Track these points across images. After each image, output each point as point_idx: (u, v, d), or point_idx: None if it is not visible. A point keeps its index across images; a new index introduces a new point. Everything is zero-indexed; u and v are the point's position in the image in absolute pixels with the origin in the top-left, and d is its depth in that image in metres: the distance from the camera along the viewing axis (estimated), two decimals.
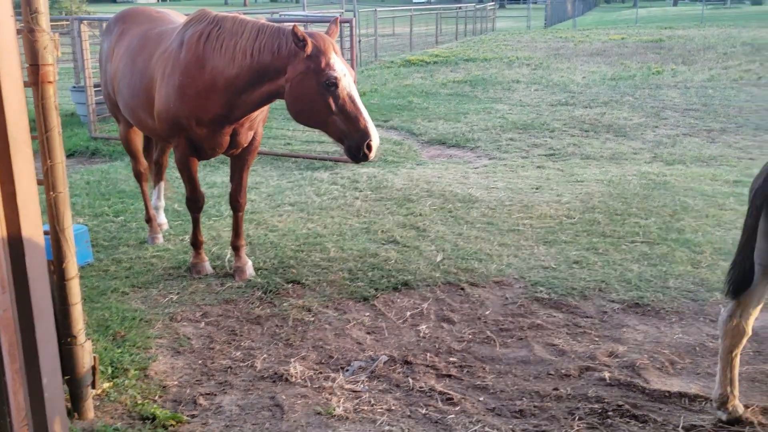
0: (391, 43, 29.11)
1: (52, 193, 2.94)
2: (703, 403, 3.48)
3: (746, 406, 3.38)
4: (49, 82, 2.87)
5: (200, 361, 3.99)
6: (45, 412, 2.86)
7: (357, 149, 4.10)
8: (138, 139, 5.76)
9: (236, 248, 5.16)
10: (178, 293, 4.88)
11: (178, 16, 5.36)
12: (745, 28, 33.23)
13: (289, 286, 4.97)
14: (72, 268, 3.08)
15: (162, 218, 6.14)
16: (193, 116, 4.52)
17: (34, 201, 2.66)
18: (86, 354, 3.22)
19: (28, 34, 2.75)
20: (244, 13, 6.46)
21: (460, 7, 38.62)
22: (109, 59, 5.39)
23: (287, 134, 10.23)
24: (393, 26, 35.80)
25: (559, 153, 9.11)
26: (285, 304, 4.68)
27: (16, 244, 2.58)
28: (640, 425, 3.30)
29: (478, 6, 41.61)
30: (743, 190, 7.00)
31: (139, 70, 4.88)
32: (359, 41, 20.82)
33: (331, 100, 4.08)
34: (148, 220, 5.85)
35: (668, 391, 3.56)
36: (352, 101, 4.10)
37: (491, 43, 28.53)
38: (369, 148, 4.09)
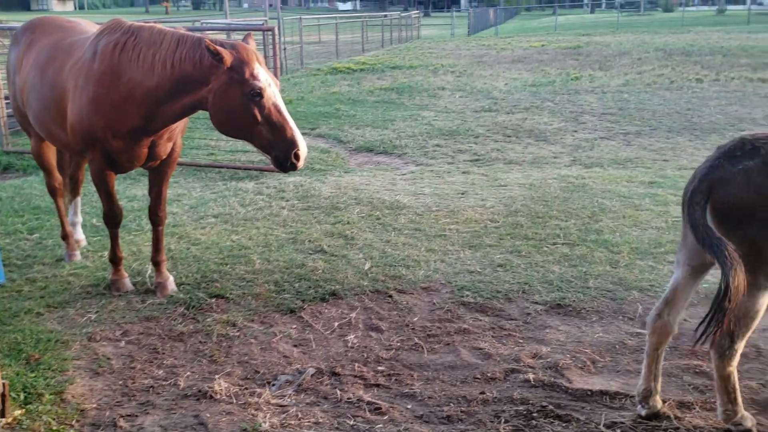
0: (317, 50, 29.05)
1: None
2: (624, 400, 3.59)
3: (663, 401, 3.50)
4: None
5: (120, 382, 3.85)
6: None
7: (285, 159, 4.07)
8: (51, 153, 5.53)
9: (157, 264, 5.01)
10: (96, 312, 4.69)
11: (90, 26, 5.18)
12: (657, 34, 34.74)
13: (213, 300, 4.85)
14: None
15: (79, 234, 5.92)
16: (109, 128, 4.37)
17: None
18: None
19: None
20: (164, 22, 6.29)
21: (386, 15, 38.93)
22: (17, 71, 5.15)
23: (210, 144, 10.04)
24: (319, 34, 35.76)
25: (483, 158, 9.28)
26: (209, 320, 4.57)
27: None
28: (564, 425, 3.37)
29: (403, 14, 42.04)
30: (658, 191, 7.29)
31: (49, 81, 4.69)
32: (284, 49, 20.68)
33: (256, 111, 4.03)
34: (65, 236, 5.62)
35: (590, 390, 3.66)
36: (278, 111, 4.07)
37: (416, 50, 28.84)
38: (297, 157, 4.06)
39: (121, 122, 4.34)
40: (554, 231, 6.07)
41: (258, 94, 4.00)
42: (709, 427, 3.32)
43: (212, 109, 4.14)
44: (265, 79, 4.05)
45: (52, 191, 5.61)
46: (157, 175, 4.86)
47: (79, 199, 5.94)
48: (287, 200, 7.24)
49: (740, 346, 3.19)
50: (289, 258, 5.57)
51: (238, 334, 4.40)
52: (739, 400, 3.29)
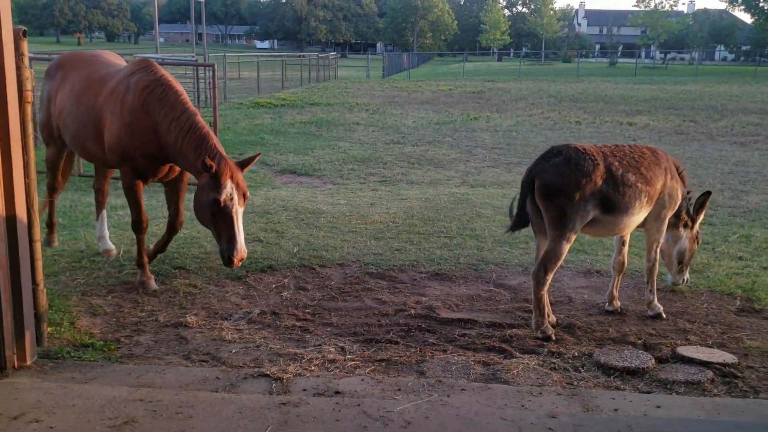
0: (239, 86, 30.50)
1: (27, 179, 4.19)
2: (474, 324, 5.28)
3: (504, 325, 5.22)
4: (28, 102, 4.17)
5: (114, 319, 5.24)
6: (24, 331, 4.10)
7: (221, 254, 5.23)
8: (61, 162, 6.69)
9: (156, 252, 6.25)
10: (84, 278, 6.04)
11: (110, 56, 6.46)
12: (554, 83, 38.14)
13: (176, 271, 6.30)
14: (36, 232, 4.32)
15: (108, 245, 6.76)
16: (138, 150, 5.53)
17: (21, 188, 3.96)
18: (43, 296, 4.44)
19: (17, 70, 4.05)
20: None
21: (303, 56, 40.84)
22: (52, 100, 6.26)
23: None
24: (239, 70, 37.18)
25: (389, 179, 11.05)
26: (175, 283, 6.01)
27: (11, 217, 3.87)
28: (431, 335, 5.04)
29: (321, 55, 44.10)
30: None
31: (85, 107, 5.81)
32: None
33: (212, 214, 5.07)
34: (50, 224, 6.85)
35: (451, 318, 5.35)
36: (228, 220, 5.06)
37: (334, 89, 30.79)
38: (229, 260, 5.09)
39: (147, 147, 5.52)
40: (440, 229, 7.84)
41: (216, 203, 5.00)
42: (525, 335, 5.06)
43: (194, 197, 5.34)
44: (227, 193, 4.99)
45: (52, 189, 6.82)
46: (174, 189, 6.03)
47: (104, 212, 6.90)
48: None
49: (550, 277, 4.98)
50: None
51: (198, 291, 5.86)
52: (546, 316, 5.06)
